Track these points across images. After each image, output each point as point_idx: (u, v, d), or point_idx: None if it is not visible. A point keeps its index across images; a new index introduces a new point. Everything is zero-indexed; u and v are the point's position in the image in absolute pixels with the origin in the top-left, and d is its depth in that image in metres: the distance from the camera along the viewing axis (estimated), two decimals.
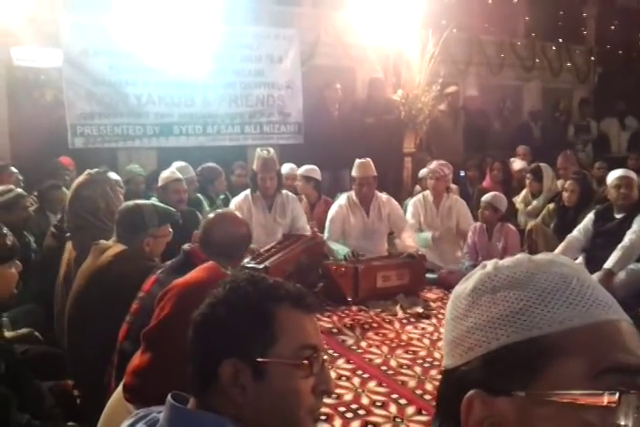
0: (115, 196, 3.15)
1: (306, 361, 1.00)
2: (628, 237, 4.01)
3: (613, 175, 4.32)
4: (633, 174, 4.28)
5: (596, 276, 4.03)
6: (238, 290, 1.02)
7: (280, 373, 0.98)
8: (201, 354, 1.01)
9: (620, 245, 4.00)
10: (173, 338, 1.13)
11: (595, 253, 4.21)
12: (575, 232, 4.39)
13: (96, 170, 3.10)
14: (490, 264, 0.69)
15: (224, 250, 2.12)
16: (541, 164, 5.69)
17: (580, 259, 4.36)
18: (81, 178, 3.07)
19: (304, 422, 1.02)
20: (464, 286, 0.69)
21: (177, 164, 5.32)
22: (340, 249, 4.51)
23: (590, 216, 4.38)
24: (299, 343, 1.01)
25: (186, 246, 2.18)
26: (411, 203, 5.35)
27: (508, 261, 0.68)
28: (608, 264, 4.00)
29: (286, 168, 5.76)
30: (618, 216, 4.20)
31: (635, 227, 4.04)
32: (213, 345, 0.99)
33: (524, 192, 5.79)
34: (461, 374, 0.65)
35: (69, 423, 2.09)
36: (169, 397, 0.99)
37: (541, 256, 0.68)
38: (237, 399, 0.97)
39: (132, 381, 1.44)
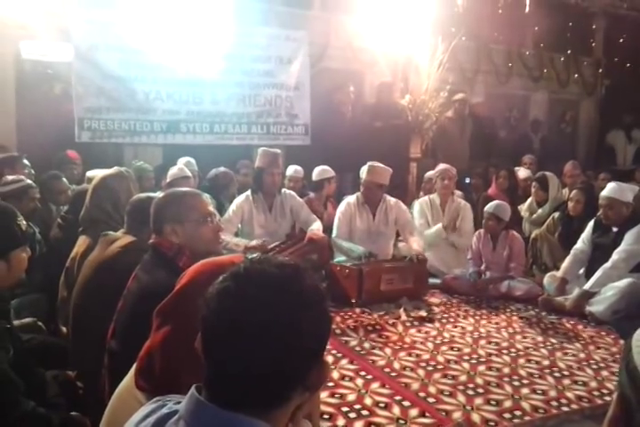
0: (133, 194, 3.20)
1: None
2: (613, 257, 4.03)
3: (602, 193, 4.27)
4: (618, 193, 4.14)
5: (572, 296, 4.11)
6: (293, 286, 0.91)
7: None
8: (282, 365, 0.88)
9: (603, 266, 4.03)
10: (188, 310, 1.08)
11: (593, 266, 4.23)
12: (579, 244, 4.39)
13: (124, 168, 3.25)
14: None
15: None
16: (547, 173, 5.69)
17: (582, 271, 4.36)
18: (109, 170, 3.15)
19: None
20: None
21: (183, 159, 5.31)
22: (354, 247, 4.50)
23: (590, 225, 4.39)
24: None
25: (151, 240, 2.04)
26: (417, 203, 5.34)
27: None
28: (587, 285, 4.07)
29: (290, 170, 5.74)
30: (614, 229, 4.20)
31: (622, 245, 4.06)
32: (304, 354, 0.90)
33: (529, 200, 5.78)
34: None
35: (72, 413, 2.06)
36: (192, 389, 0.92)
37: None
38: (305, 399, 0.93)
39: (145, 362, 1.40)
